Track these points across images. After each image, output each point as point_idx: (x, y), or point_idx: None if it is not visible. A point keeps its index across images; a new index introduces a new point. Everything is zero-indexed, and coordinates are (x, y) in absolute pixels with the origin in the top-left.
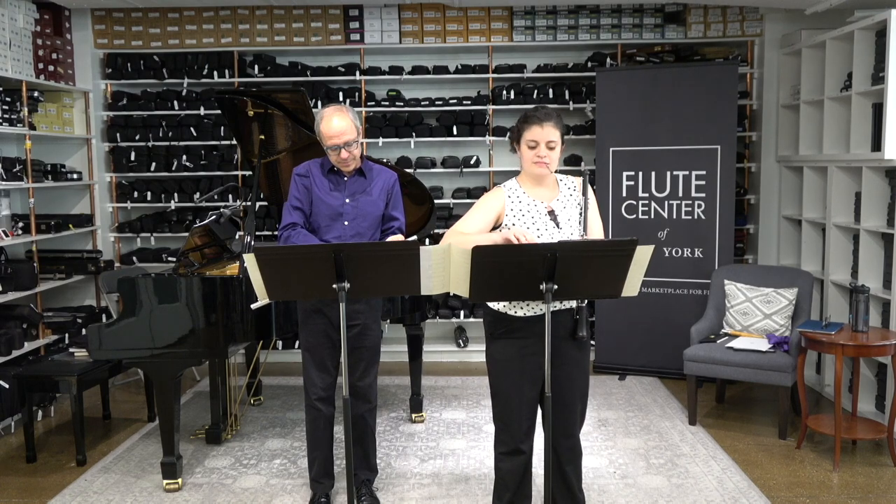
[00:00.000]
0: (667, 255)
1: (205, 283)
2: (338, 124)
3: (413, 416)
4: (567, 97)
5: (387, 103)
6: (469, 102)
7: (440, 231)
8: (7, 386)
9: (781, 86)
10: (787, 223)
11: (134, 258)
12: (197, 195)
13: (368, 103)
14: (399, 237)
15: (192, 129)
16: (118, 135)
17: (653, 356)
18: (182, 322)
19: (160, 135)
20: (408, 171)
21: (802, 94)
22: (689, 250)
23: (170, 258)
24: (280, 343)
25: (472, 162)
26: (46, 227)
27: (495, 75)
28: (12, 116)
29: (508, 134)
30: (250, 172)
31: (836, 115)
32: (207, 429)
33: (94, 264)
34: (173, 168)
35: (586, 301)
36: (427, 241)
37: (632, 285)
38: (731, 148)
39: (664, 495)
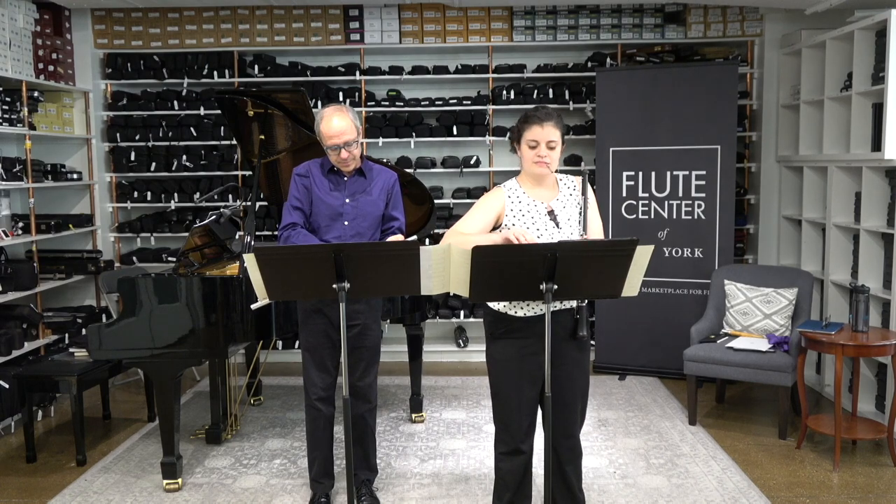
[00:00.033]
0: (667, 255)
1: (205, 283)
2: (338, 124)
3: (413, 416)
4: (567, 97)
5: (387, 103)
6: (469, 102)
7: (440, 231)
8: (7, 386)
9: (781, 86)
10: (787, 223)
11: (134, 258)
12: (197, 195)
13: (368, 103)
14: (399, 237)
15: (192, 129)
16: (118, 135)
17: (653, 356)
18: (182, 322)
19: (160, 135)
20: (408, 171)
21: (802, 94)
22: (689, 250)
23: (170, 258)
24: (280, 343)
25: (472, 162)
26: (46, 227)
27: (495, 75)
28: (12, 116)
29: (508, 134)
30: (250, 172)
31: (836, 115)
32: (207, 429)
33: (94, 264)
34: (173, 168)
35: (586, 301)
36: (427, 241)
37: (632, 285)
38: (731, 148)
39: (664, 495)
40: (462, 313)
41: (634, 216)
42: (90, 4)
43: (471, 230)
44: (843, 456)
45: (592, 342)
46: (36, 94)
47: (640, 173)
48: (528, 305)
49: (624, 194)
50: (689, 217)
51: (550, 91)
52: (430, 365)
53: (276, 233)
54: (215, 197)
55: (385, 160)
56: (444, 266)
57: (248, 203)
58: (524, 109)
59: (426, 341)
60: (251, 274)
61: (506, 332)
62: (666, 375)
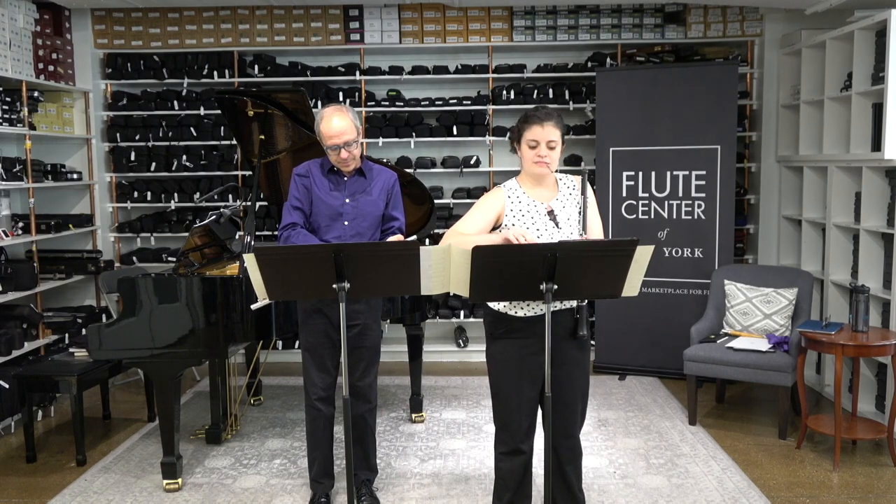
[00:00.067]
0: (667, 255)
1: (205, 283)
2: (338, 124)
3: (413, 416)
4: (567, 97)
5: (387, 103)
6: (469, 102)
7: (440, 231)
8: (7, 386)
9: (781, 86)
10: (787, 223)
11: (134, 258)
12: (197, 195)
13: (368, 103)
14: (399, 237)
15: (192, 129)
16: (118, 135)
17: (653, 356)
18: (182, 322)
19: (160, 135)
20: (408, 171)
21: (802, 94)
22: (689, 250)
23: (170, 258)
24: (280, 343)
25: (472, 162)
26: (46, 227)
27: (495, 75)
28: (12, 116)
29: (508, 134)
30: (250, 172)
31: (836, 115)
32: (207, 429)
33: (94, 264)
34: (173, 168)
35: (586, 300)
36: (427, 241)
37: (632, 285)
38: (731, 148)
39: (664, 495)
40: (462, 313)
41: (634, 216)
42: (90, 4)
43: (471, 230)
44: (843, 456)
45: (592, 342)
46: (36, 94)
47: (640, 173)
48: (528, 305)
49: (624, 194)
50: (689, 217)
51: (550, 91)
52: (430, 365)
53: (276, 233)
54: (215, 197)
55: (385, 160)
56: (444, 266)
57: (248, 203)
58: (524, 109)
59: (426, 341)
60: (251, 274)
61: (506, 332)
62: (666, 375)
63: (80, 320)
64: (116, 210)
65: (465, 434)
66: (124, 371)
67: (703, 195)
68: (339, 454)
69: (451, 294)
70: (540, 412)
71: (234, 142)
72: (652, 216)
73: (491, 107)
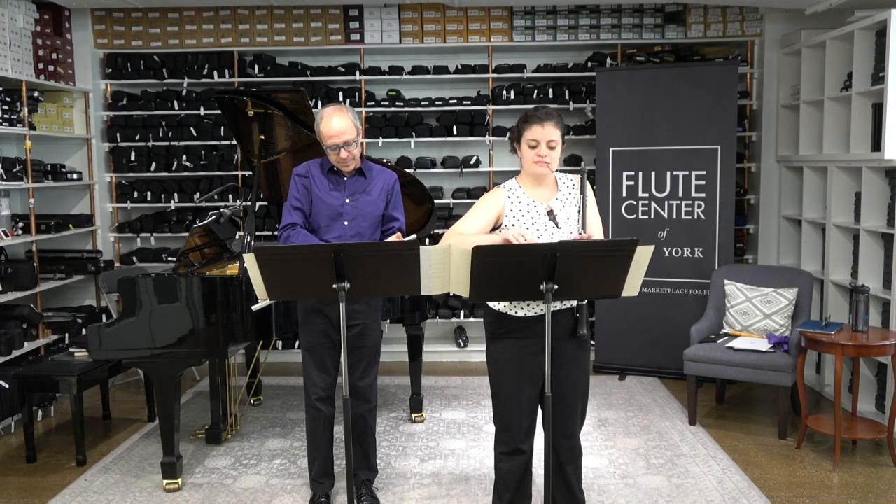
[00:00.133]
0: (667, 255)
1: (205, 283)
2: (337, 124)
3: (413, 416)
4: (567, 97)
5: (387, 103)
6: (469, 102)
7: (440, 231)
8: (7, 386)
9: (781, 86)
10: (787, 223)
11: (134, 258)
12: (197, 195)
13: (368, 103)
14: (398, 236)
15: (192, 129)
16: (118, 135)
17: (653, 356)
18: (182, 322)
19: (160, 135)
20: (408, 171)
21: (802, 94)
22: (689, 250)
23: (170, 258)
24: (280, 343)
25: (472, 162)
26: (46, 227)
27: (495, 75)
28: (12, 116)
29: (508, 134)
30: (250, 172)
31: (836, 115)
32: (207, 429)
33: (94, 264)
34: (173, 168)
35: (586, 300)
36: (427, 241)
37: (632, 285)
38: (731, 148)
39: (664, 495)
40: (462, 313)
41: (634, 216)
42: (90, 4)
43: (470, 230)
44: (843, 456)
45: (592, 342)
46: (36, 94)
47: (640, 173)
48: (528, 305)
49: (624, 194)
50: (689, 217)
51: (550, 91)
52: (430, 365)
53: (276, 233)
54: (215, 197)
55: (385, 160)
56: (444, 266)
57: (248, 203)
58: (524, 109)
59: (426, 341)
60: (251, 274)
61: (506, 332)
62: (666, 375)
63: (80, 320)
64: (116, 210)
65: (465, 434)
66: (124, 371)
67: (703, 195)
68: (339, 454)
69: (451, 294)
70: (540, 412)
71: (234, 142)
72: (652, 216)
73: (491, 107)
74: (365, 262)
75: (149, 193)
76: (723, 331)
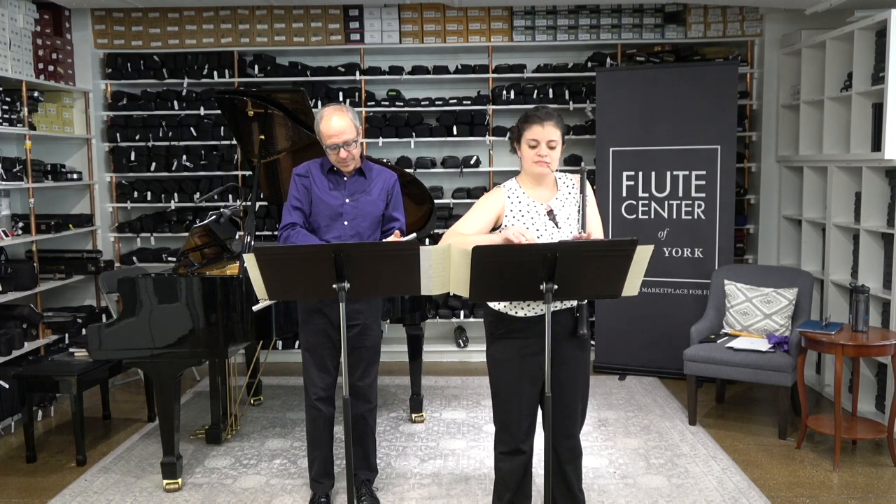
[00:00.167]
0: (667, 255)
1: (205, 283)
2: (337, 124)
3: (413, 416)
4: (567, 97)
5: (387, 103)
6: (469, 102)
7: (440, 231)
8: (7, 386)
9: (781, 86)
10: (787, 223)
11: (134, 258)
12: (197, 195)
13: (368, 103)
14: (398, 234)
15: (192, 129)
16: (118, 135)
17: (653, 356)
18: (182, 322)
19: (160, 135)
20: (408, 171)
21: (802, 94)
22: (689, 250)
23: (170, 258)
24: (280, 343)
25: (472, 162)
26: (46, 227)
27: (495, 75)
28: (12, 116)
29: (508, 134)
30: (250, 172)
31: (836, 115)
32: (207, 429)
33: (94, 264)
34: (173, 168)
35: (586, 300)
36: (427, 241)
37: (632, 285)
38: (731, 148)
39: (664, 495)
40: (462, 313)
41: (634, 216)
42: (90, 4)
43: (470, 230)
44: (843, 456)
45: (592, 342)
46: (36, 94)
47: (640, 173)
48: (528, 305)
49: (624, 194)
50: (689, 217)
51: (550, 91)
52: (430, 365)
53: (276, 233)
54: (215, 197)
55: (385, 160)
56: (444, 266)
57: (248, 203)
58: (524, 109)
59: (426, 341)
60: (251, 274)
61: (506, 332)
62: (666, 375)
63: (80, 320)
64: (116, 210)
65: (465, 434)
66: (124, 371)
67: (703, 195)
68: (339, 454)
69: (451, 294)
70: (540, 412)
71: (234, 142)
72: (652, 216)
73: (491, 107)
74: (365, 262)
75: (149, 193)
76: (723, 331)
